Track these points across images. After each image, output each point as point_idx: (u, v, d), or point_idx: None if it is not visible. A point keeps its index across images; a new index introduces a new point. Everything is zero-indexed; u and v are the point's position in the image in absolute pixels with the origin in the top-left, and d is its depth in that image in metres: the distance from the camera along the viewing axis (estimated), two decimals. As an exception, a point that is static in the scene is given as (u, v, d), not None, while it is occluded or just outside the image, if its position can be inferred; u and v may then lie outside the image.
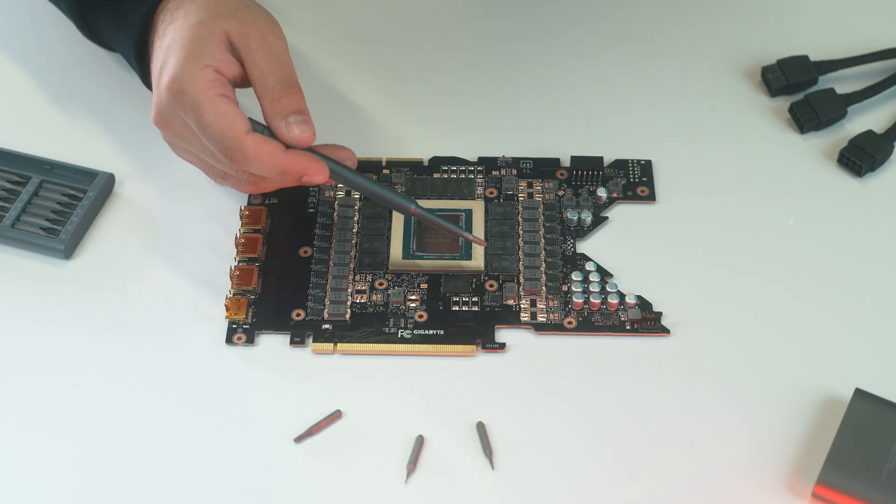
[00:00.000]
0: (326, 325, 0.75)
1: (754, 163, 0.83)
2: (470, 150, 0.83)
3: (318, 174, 0.72)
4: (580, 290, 0.76)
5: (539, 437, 0.70)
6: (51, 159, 0.81)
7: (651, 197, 0.81)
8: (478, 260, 0.77)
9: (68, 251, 0.78)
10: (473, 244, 0.77)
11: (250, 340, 0.74)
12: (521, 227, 0.79)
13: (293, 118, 0.72)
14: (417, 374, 0.73)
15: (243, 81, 0.73)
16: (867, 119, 0.85)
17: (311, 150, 0.73)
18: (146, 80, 0.79)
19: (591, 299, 0.75)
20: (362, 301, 0.76)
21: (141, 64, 0.78)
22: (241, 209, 0.79)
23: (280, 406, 0.72)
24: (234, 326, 0.75)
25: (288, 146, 0.72)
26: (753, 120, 0.85)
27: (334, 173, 0.73)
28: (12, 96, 0.87)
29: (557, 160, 0.83)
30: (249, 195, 0.81)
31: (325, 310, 0.75)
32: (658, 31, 0.90)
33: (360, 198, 0.81)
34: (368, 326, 0.75)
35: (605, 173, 0.82)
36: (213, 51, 0.71)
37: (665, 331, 0.75)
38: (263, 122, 0.73)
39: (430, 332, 0.75)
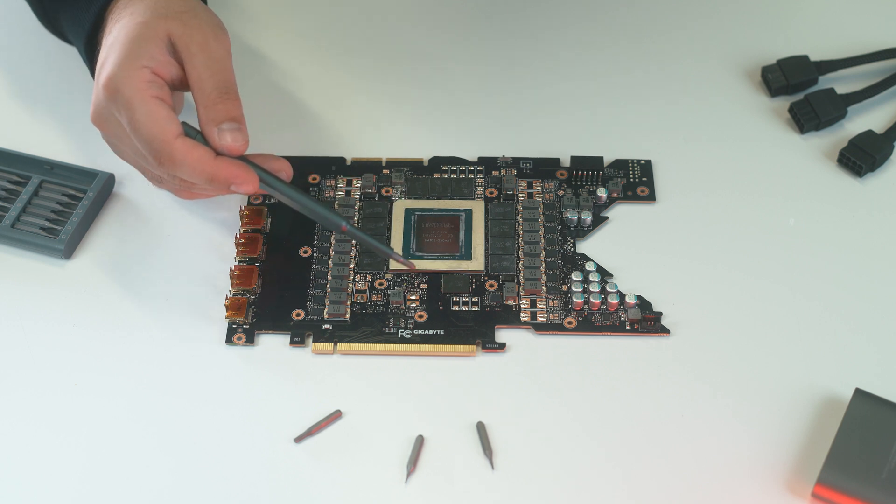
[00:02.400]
0: (326, 325, 0.75)
1: (754, 163, 0.83)
2: (470, 150, 0.83)
3: (246, 183, 0.71)
4: (580, 290, 0.76)
5: (539, 437, 0.70)
6: (51, 159, 0.81)
7: (651, 197, 0.81)
8: (478, 260, 0.77)
9: (68, 251, 0.78)
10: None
11: (250, 340, 0.74)
12: (521, 227, 0.79)
13: (226, 125, 0.71)
14: (417, 374, 0.73)
15: (182, 85, 0.73)
16: (867, 119, 0.85)
17: (244, 159, 0.72)
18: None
19: (591, 299, 0.75)
20: (362, 301, 0.76)
21: (91, 60, 0.78)
22: (241, 209, 0.79)
23: (280, 406, 0.72)
24: (234, 326, 0.75)
25: (219, 153, 0.71)
26: (753, 120, 0.85)
27: (265, 183, 0.72)
28: (13, 96, 0.87)
29: (557, 160, 0.83)
30: (250, 196, 0.81)
31: (325, 310, 0.75)
32: (658, 31, 0.90)
33: (360, 198, 0.81)
34: (368, 326, 0.75)
35: (605, 173, 0.82)
36: (153, 51, 0.71)
37: (665, 331, 0.75)
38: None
39: (430, 332, 0.75)
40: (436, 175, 0.82)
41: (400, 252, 0.77)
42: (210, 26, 0.73)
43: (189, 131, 0.72)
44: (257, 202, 0.80)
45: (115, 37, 0.72)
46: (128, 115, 0.70)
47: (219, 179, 0.71)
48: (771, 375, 0.73)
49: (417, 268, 0.77)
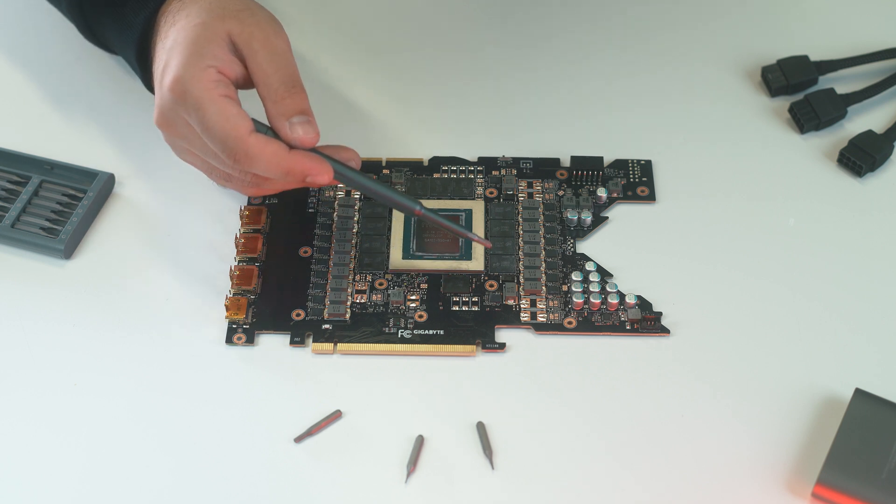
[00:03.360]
0: (326, 325, 0.75)
1: (754, 163, 0.83)
2: (470, 150, 0.83)
3: (322, 175, 0.72)
4: (580, 290, 0.76)
5: (539, 437, 0.70)
6: (51, 159, 0.81)
7: (651, 197, 0.81)
8: (478, 260, 0.77)
9: (68, 251, 0.78)
10: (477, 244, 0.77)
11: (250, 340, 0.74)
12: (521, 227, 0.79)
13: (297, 119, 0.72)
14: (417, 374, 0.73)
15: (246, 82, 0.73)
16: (867, 119, 0.85)
17: (315, 150, 0.73)
18: (148, 82, 0.79)
19: (591, 299, 0.75)
20: (362, 301, 0.76)
21: (143, 66, 0.78)
22: (241, 209, 0.79)
23: (280, 406, 0.72)
24: (234, 326, 0.75)
25: (291, 147, 0.72)
26: (753, 120, 0.85)
27: (338, 174, 0.73)
28: (12, 96, 0.87)
29: (557, 160, 0.83)
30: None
31: (325, 310, 0.75)
32: (658, 32, 0.90)
33: (360, 198, 0.81)
34: (368, 326, 0.75)
35: (605, 173, 0.82)
36: (216, 51, 0.71)
37: (665, 331, 0.75)
38: (266, 123, 0.73)
39: (430, 332, 0.75)
40: (436, 175, 0.82)
41: (400, 251, 0.78)
42: (268, 22, 0.73)
43: (259, 127, 0.72)
44: (257, 202, 0.80)
45: (175, 39, 0.72)
46: (198, 115, 0.70)
47: (295, 172, 0.71)
48: (771, 375, 0.73)
49: (417, 268, 0.77)
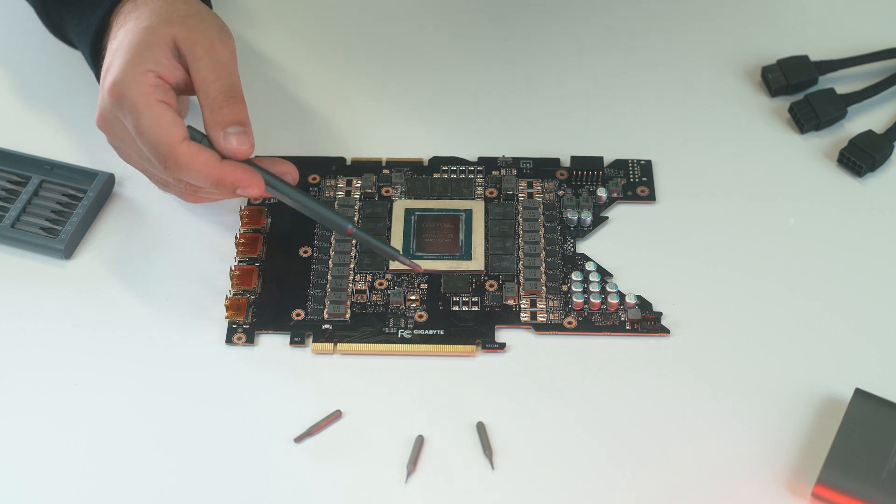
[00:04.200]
0: (326, 325, 0.75)
1: (754, 163, 0.83)
2: (470, 150, 0.83)
3: (252, 187, 0.71)
4: (580, 290, 0.76)
5: (539, 437, 0.70)
6: (51, 159, 0.81)
7: (651, 197, 0.81)
8: (478, 260, 0.77)
9: (68, 251, 0.78)
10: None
11: (250, 340, 0.74)
12: (521, 227, 0.79)
13: (232, 129, 0.71)
14: (417, 374, 0.73)
15: (188, 89, 0.73)
16: (867, 119, 0.85)
17: (250, 162, 0.72)
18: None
19: (591, 299, 0.75)
20: (362, 301, 0.76)
21: (96, 64, 0.78)
22: (241, 209, 0.79)
23: (280, 406, 0.72)
24: (234, 326, 0.75)
25: (224, 157, 0.72)
26: (753, 120, 0.85)
27: (271, 187, 0.72)
28: (12, 96, 0.87)
29: (557, 160, 0.83)
30: (255, 198, 0.80)
31: (325, 310, 0.75)
32: (658, 31, 0.90)
33: (360, 198, 0.81)
34: (368, 326, 0.75)
35: (605, 173, 0.82)
36: (158, 56, 0.71)
37: (665, 331, 0.75)
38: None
39: (430, 332, 0.75)
40: (436, 175, 0.82)
41: (400, 251, 0.77)
42: (215, 30, 0.73)
43: (194, 135, 0.72)
44: (257, 202, 0.80)
45: (121, 41, 0.72)
46: (133, 119, 0.70)
47: (224, 183, 0.71)
48: (771, 375, 0.73)
49: (420, 268, 0.77)
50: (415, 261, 0.75)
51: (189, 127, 0.71)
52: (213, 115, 0.71)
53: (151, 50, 0.71)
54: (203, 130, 0.72)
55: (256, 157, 0.73)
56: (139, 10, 0.73)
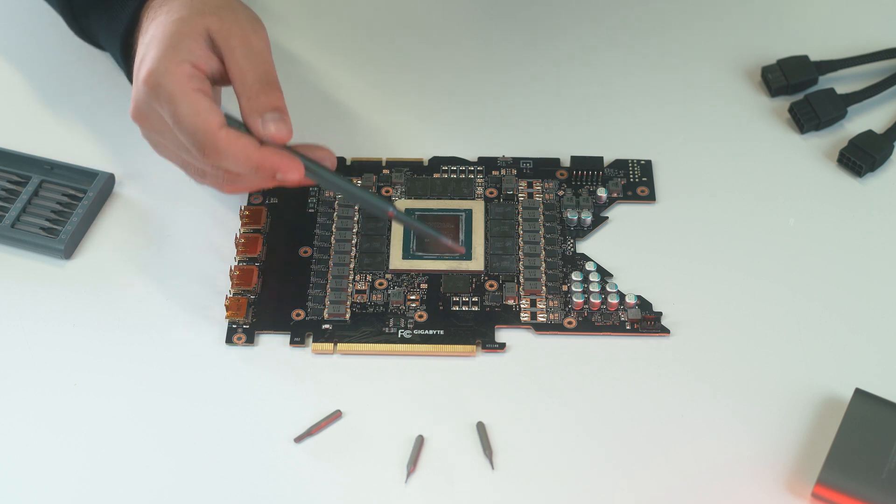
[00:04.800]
0: (326, 325, 0.75)
1: (754, 163, 0.83)
2: (470, 150, 0.83)
3: (292, 171, 0.71)
4: (580, 290, 0.76)
5: (539, 437, 0.70)
6: (51, 159, 0.81)
7: (651, 197, 0.81)
8: (478, 260, 0.77)
9: (68, 251, 0.78)
10: (452, 248, 0.76)
11: (250, 340, 0.74)
12: (521, 227, 0.79)
13: (270, 115, 0.71)
14: (417, 374, 0.73)
15: (222, 79, 0.73)
16: (867, 119, 0.85)
17: (288, 148, 0.72)
18: (131, 77, 0.79)
19: (591, 299, 0.75)
20: (362, 301, 0.76)
21: (127, 62, 0.78)
22: (241, 209, 0.79)
23: (280, 406, 0.72)
24: (234, 326, 0.75)
25: (263, 143, 0.72)
26: (753, 120, 0.85)
27: (310, 172, 0.72)
28: (12, 96, 0.87)
29: (557, 160, 0.83)
30: (249, 194, 0.81)
31: (325, 310, 0.75)
32: (658, 31, 0.90)
33: (360, 198, 0.81)
34: (368, 326, 0.75)
35: (605, 173, 0.82)
36: (193, 46, 0.71)
37: (665, 331, 0.75)
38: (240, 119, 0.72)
39: (430, 332, 0.75)
40: (436, 175, 0.82)
41: (400, 251, 0.78)
42: (248, 20, 0.73)
43: (231, 122, 0.72)
44: (257, 202, 0.80)
45: (153, 34, 0.72)
46: (170, 108, 0.70)
47: (264, 168, 0.71)
48: (771, 375, 0.73)
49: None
50: (456, 244, 0.75)
51: (226, 115, 0.72)
52: (251, 102, 0.71)
53: (186, 40, 0.71)
54: (239, 119, 0.72)
55: (293, 144, 0.73)
56: (170, 3, 0.73)
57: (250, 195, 0.80)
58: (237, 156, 0.70)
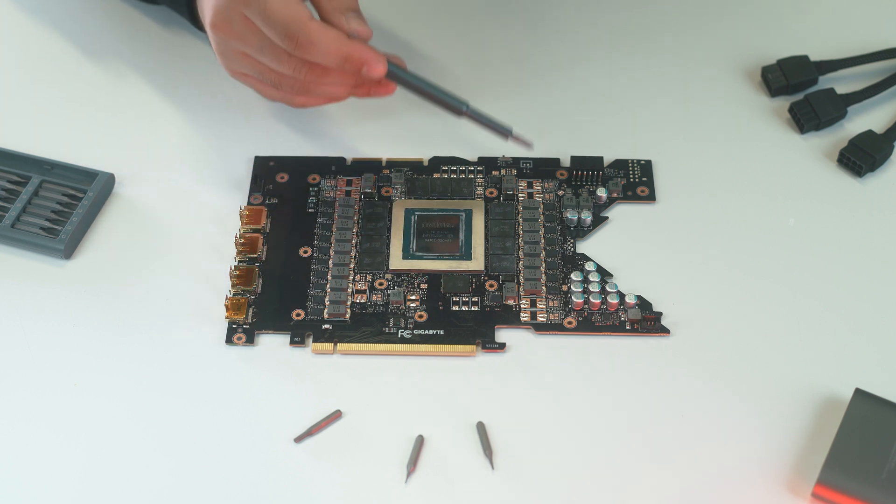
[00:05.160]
0: (326, 325, 0.75)
1: (754, 163, 0.83)
2: (470, 150, 0.83)
3: (378, 64, 0.74)
4: (580, 290, 0.76)
5: (539, 437, 0.70)
6: (51, 159, 0.81)
7: (651, 197, 0.81)
8: (478, 260, 0.77)
9: (68, 251, 0.78)
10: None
11: (250, 340, 0.74)
12: (521, 227, 0.79)
13: (351, 14, 0.74)
14: (417, 374, 0.73)
15: None
16: (867, 119, 0.85)
17: None
18: (193, 17, 0.82)
19: (591, 299, 0.75)
20: (362, 301, 0.76)
21: (189, 1, 0.81)
22: (241, 209, 0.79)
23: (280, 406, 0.72)
24: (234, 326, 0.75)
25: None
26: (753, 120, 0.85)
27: (391, 72, 0.75)
28: (12, 96, 0.87)
29: (557, 160, 0.83)
30: (250, 196, 0.81)
31: (325, 310, 0.75)
32: (658, 31, 0.90)
33: (360, 198, 0.81)
34: (368, 326, 0.75)
35: (605, 173, 0.82)
36: None
37: (665, 331, 0.75)
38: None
39: (430, 332, 0.75)
40: (436, 175, 0.82)
41: (400, 251, 0.78)
42: None
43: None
44: (257, 202, 0.80)
45: None
46: (259, 6, 0.72)
47: (353, 59, 0.73)
48: (771, 375, 0.73)
49: (417, 268, 0.77)
50: (521, 136, 0.78)
51: None
52: (332, 2, 0.74)
53: None
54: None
55: None
56: None
57: (250, 195, 0.80)
58: (329, 45, 0.73)
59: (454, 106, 0.77)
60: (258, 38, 0.74)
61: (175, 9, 0.85)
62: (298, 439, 0.70)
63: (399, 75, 0.77)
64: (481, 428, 0.70)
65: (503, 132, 0.77)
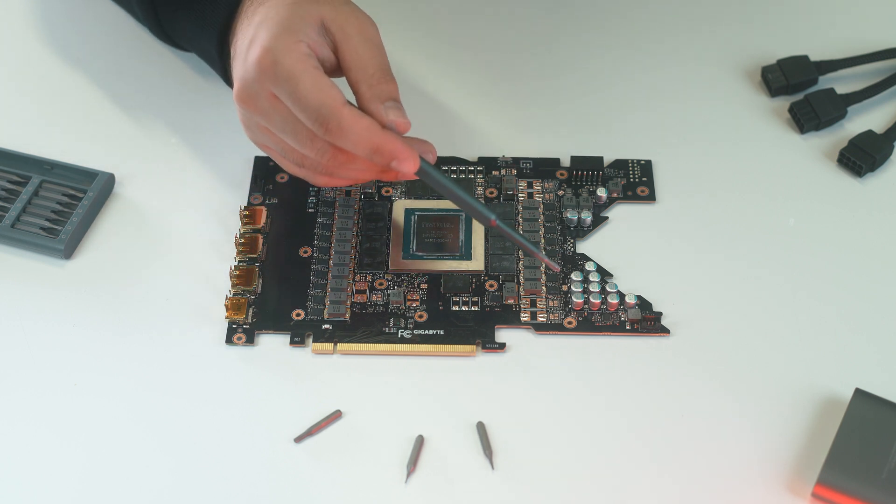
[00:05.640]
0: (326, 325, 0.75)
1: (754, 163, 0.83)
2: (470, 150, 0.83)
3: (409, 160, 0.70)
4: (580, 290, 0.76)
5: (539, 437, 0.70)
6: (51, 159, 0.81)
7: (651, 197, 0.81)
8: (478, 260, 0.77)
9: (68, 251, 0.78)
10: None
11: (250, 340, 0.74)
12: (521, 227, 0.79)
13: (390, 103, 0.71)
14: (417, 374, 0.73)
15: (331, 69, 0.73)
16: (867, 119, 0.85)
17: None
18: (226, 74, 0.79)
19: (591, 299, 0.75)
20: (362, 301, 0.76)
21: (221, 56, 0.78)
22: (241, 209, 0.79)
23: (280, 406, 0.72)
24: (234, 326, 0.75)
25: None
26: (753, 120, 0.85)
27: (421, 169, 0.71)
28: (12, 96, 0.87)
29: (557, 160, 0.83)
30: (250, 196, 0.81)
31: (325, 310, 0.75)
32: (658, 32, 0.90)
33: (360, 198, 0.81)
34: (368, 326, 0.75)
35: (605, 173, 0.82)
36: (308, 30, 0.71)
37: (665, 331, 0.75)
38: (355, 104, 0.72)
39: (430, 332, 0.75)
40: (436, 175, 0.82)
41: (400, 251, 0.78)
42: (360, 12, 0.73)
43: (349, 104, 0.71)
44: (257, 202, 0.80)
45: (265, 15, 0.72)
46: (290, 86, 0.69)
47: (384, 151, 0.69)
48: (771, 375, 0.73)
49: (417, 268, 0.77)
50: (552, 261, 0.75)
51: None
52: (372, 90, 0.71)
53: (301, 23, 0.71)
54: (353, 103, 0.71)
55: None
56: None
57: (250, 195, 0.80)
58: (360, 134, 0.69)
59: (483, 215, 0.72)
60: (283, 117, 0.71)
61: (208, 62, 0.81)
62: (298, 439, 0.70)
63: (429, 174, 0.72)
64: (481, 428, 0.70)
65: (531, 248, 0.73)
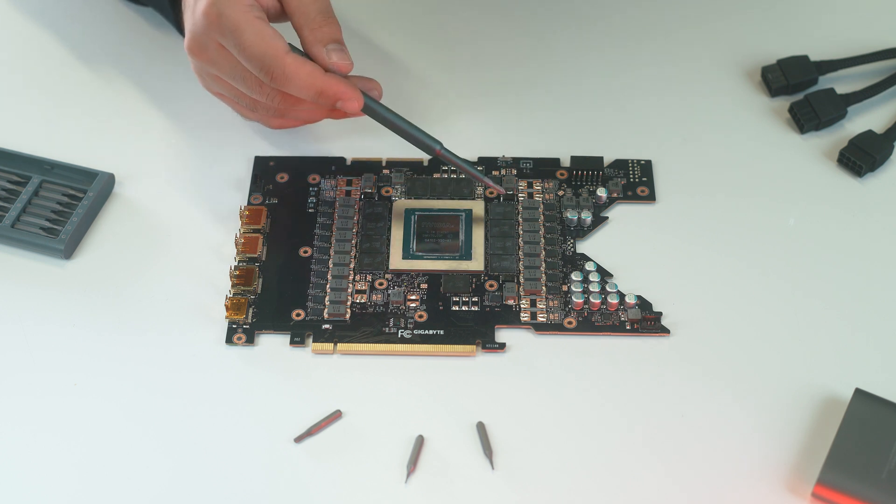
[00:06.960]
0: (326, 325, 0.75)
1: (754, 163, 0.83)
2: (470, 150, 0.83)
3: (353, 100, 0.74)
4: (580, 290, 0.76)
5: (539, 437, 0.70)
6: (51, 159, 0.81)
7: (651, 197, 0.81)
8: (478, 260, 0.77)
9: (68, 251, 0.78)
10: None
11: (250, 340, 0.74)
12: (521, 227, 0.79)
13: (332, 46, 0.74)
14: (417, 374, 0.73)
15: (276, 16, 0.75)
16: (867, 119, 0.85)
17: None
18: (179, 25, 0.81)
19: (591, 299, 0.75)
20: (362, 301, 0.76)
21: (174, 8, 0.81)
22: (241, 209, 0.79)
23: (280, 406, 0.72)
24: (234, 326, 0.75)
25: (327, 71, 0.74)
26: (753, 120, 0.85)
27: (367, 106, 0.75)
28: (12, 96, 0.87)
29: (557, 160, 0.83)
30: (250, 196, 0.81)
31: (325, 310, 0.75)
32: (658, 31, 0.90)
33: (360, 198, 0.81)
34: (368, 326, 0.75)
35: (605, 173, 0.82)
36: None
37: (665, 331, 0.75)
38: (300, 49, 0.74)
39: (430, 332, 0.75)
40: (436, 175, 0.82)
41: (400, 251, 0.78)
42: None
43: (293, 50, 0.73)
44: (257, 202, 0.80)
45: None
46: (234, 37, 0.72)
47: (328, 94, 0.73)
48: (771, 375, 0.73)
49: (417, 268, 0.77)
50: (496, 184, 0.78)
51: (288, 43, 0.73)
52: (314, 33, 0.74)
53: None
54: (299, 48, 0.74)
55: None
56: None
57: (250, 195, 0.80)
58: (304, 80, 0.72)
59: (427, 145, 0.77)
60: (232, 66, 0.74)
61: (162, 13, 0.85)
62: (298, 439, 0.70)
63: (375, 111, 0.76)
64: (481, 428, 0.70)
65: (475, 173, 0.77)
